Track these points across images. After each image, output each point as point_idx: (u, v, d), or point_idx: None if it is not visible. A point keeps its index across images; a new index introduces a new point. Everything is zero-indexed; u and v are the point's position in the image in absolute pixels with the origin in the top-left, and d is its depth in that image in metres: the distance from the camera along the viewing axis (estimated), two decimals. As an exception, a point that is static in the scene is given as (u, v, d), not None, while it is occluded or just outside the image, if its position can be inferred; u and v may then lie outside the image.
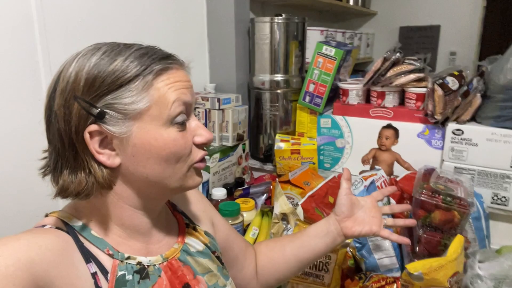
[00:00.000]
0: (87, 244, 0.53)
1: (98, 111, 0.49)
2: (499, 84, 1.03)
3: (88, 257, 0.52)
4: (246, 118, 1.48)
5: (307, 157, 1.38)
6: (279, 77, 1.47)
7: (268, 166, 1.53)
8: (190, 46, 1.50)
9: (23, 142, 0.95)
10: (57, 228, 0.52)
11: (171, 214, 0.68)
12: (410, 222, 0.81)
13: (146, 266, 0.56)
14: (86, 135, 0.50)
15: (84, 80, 0.50)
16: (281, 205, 1.02)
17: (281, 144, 1.39)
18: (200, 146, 0.58)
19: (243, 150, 1.48)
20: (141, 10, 1.24)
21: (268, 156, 1.53)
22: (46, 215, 0.56)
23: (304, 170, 1.31)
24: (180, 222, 0.68)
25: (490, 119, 1.08)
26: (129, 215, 0.57)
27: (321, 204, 1.02)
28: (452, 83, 1.16)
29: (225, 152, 1.37)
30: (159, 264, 0.58)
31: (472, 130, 1.11)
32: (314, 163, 1.39)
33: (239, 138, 1.44)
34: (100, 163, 0.52)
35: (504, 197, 1.08)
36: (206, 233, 0.69)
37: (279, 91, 1.48)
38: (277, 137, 1.45)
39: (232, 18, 1.48)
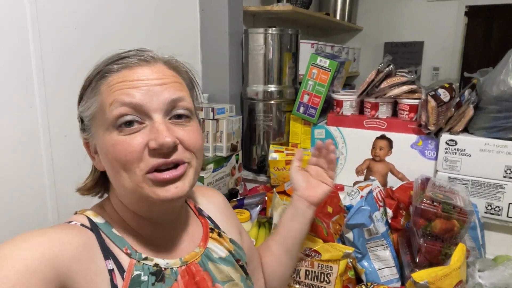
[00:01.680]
0: (107, 242, 0.53)
1: (78, 120, 0.56)
2: (492, 96, 1.05)
3: (107, 254, 0.52)
4: (240, 128, 1.47)
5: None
6: (272, 87, 1.47)
7: (262, 177, 1.51)
8: (183, 56, 1.48)
9: (15, 148, 0.91)
10: (82, 225, 0.54)
11: (196, 218, 0.67)
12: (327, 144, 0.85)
13: (163, 269, 0.55)
14: (83, 141, 0.57)
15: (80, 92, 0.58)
16: (280, 215, 1.00)
17: (275, 155, 1.38)
18: (154, 152, 0.50)
19: (237, 161, 1.47)
20: (134, 20, 1.23)
21: (261, 167, 1.52)
22: (75, 213, 0.58)
23: (299, 181, 1.30)
24: (204, 226, 0.66)
25: (483, 130, 1.11)
26: (136, 219, 0.57)
27: (320, 214, 1.01)
28: (444, 95, 1.19)
29: (219, 162, 1.35)
30: (177, 267, 0.57)
31: (465, 140, 1.12)
32: (308, 174, 1.38)
33: (233, 148, 1.42)
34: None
35: (498, 207, 1.10)
36: (231, 240, 0.67)
37: (272, 102, 1.48)
38: (271, 147, 1.44)
39: (226, 29, 1.49)
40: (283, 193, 1.22)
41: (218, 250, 0.64)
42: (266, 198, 1.31)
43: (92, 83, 0.53)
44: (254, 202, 1.32)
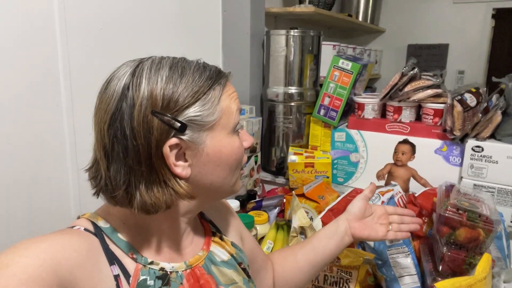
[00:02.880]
0: (112, 247, 0.53)
1: (180, 125, 0.50)
2: (521, 101, 1.02)
3: (112, 259, 0.51)
4: (260, 130, 1.46)
5: (321, 171, 1.36)
6: (293, 89, 1.46)
7: (280, 179, 1.51)
8: (204, 57, 1.49)
9: (42, 148, 0.93)
10: (85, 229, 0.53)
11: (199, 222, 0.67)
12: (415, 220, 0.85)
13: (168, 273, 0.55)
14: (166, 149, 0.50)
15: (161, 96, 0.50)
16: (299, 218, 1.00)
17: (295, 157, 1.37)
18: (245, 151, 0.60)
19: (255, 162, 1.46)
20: (157, 21, 1.24)
21: (280, 169, 1.51)
22: (78, 217, 0.56)
23: (318, 184, 1.28)
24: (206, 230, 0.66)
25: (510, 137, 1.07)
26: (158, 222, 0.57)
27: (340, 219, 1.00)
28: (470, 99, 1.15)
29: (238, 163, 1.35)
30: (182, 271, 0.57)
31: (492, 147, 1.09)
32: (328, 177, 1.37)
33: (252, 150, 1.42)
34: (175, 175, 0.52)
35: (525, 216, 1.06)
36: (233, 244, 0.68)
37: (292, 104, 1.48)
38: (290, 150, 1.43)
39: (247, 30, 1.49)
40: (302, 196, 1.21)
41: (221, 253, 0.64)
42: (285, 200, 1.30)
43: (214, 92, 0.53)
44: (272, 204, 1.32)
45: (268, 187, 1.53)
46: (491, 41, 2.76)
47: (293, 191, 1.21)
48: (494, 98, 1.14)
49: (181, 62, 0.54)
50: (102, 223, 0.54)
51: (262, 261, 0.78)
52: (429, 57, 2.92)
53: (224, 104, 0.55)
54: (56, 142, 0.97)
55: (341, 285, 0.87)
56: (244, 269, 0.66)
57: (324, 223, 1.00)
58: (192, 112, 0.51)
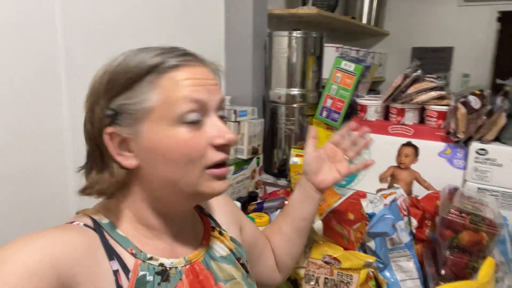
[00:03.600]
0: (112, 242, 0.53)
1: (110, 112, 0.51)
2: (526, 104, 1.00)
3: (112, 254, 0.51)
4: (262, 131, 1.46)
5: (323, 173, 1.35)
6: (295, 91, 1.46)
7: (282, 181, 1.50)
8: (207, 58, 1.49)
9: (42, 146, 0.93)
10: (85, 225, 0.53)
11: (198, 217, 0.67)
12: (364, 129, 0.85)
13: (168, 268, 0.55)
14: (105, 137, 0.51)
15: (107, 79, 0.51)
16: (300, 220, 0.98)
17: (297, 159, 1.36)
18: (220, 148, 0.54)
19: (257, 164, 1.46)
20: (160, 21, 1.24)
21: (282, 171, 1.50)
22: (77, 213, 0.57)
23: (320, 186, 1.27)
24: (206, 225, 0.66)
25: (515, 140, 1.06)
26: (152, 217, 0.57)
27: (341, 221, 0.99)
28: (474, 102, 1.14)
29: (240, 165, 1.35)
30: (182, 266, 0.57)
31: (497, 150, 1.08)
32: (330, 180, 1.35)
33: (254, 151, 1.41)
34: (119, 164, 0.53)
35: (530, 220, 1.04)
36: (231, 238, 0.67)
37: (295, 105, 1.47)
38: (292, 151, 1.42)
39: (250, 32, 1.48)
40: (304, 198, 1.20)
41: (220, 249, 0.64)
42: (286, 202, 1.29)
43: (149, 77, 0.51)
44: (274, 206, 1.31)
45: (270, 189, 1.52)
46: (497, 44, 2.73)
47: (294, 193, 1.19)
48: (499, 100, 1.13)
49: (150, 47, 0.54)
50: (101, 219, 0.54)
51: (263, 243, 0.80)
52: (434, 60, 2.91)
53: (163, 91, 0.50)
54: (56, 141, 0.97)
55: (341, 289, 0.86)
56: (242, 264, 0.66)
57: (325, 225, 0.99)
58: (123, 99, 0.51)
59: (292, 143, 1.50)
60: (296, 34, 1.42)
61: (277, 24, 1.86)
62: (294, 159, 1.36)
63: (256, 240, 0.78)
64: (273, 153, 1.53)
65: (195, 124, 0.52)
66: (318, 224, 1.02)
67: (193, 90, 0.51)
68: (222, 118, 0.57)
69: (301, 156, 1.38)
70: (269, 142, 1.54)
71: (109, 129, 0.51)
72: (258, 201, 1.33)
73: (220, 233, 0.66)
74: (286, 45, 1.43)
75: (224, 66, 1.55)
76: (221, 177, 0.55)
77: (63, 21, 0.95)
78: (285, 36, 1.43)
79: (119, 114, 0.51)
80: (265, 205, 1.30)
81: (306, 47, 1.44)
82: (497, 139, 1.12)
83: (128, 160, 0.53)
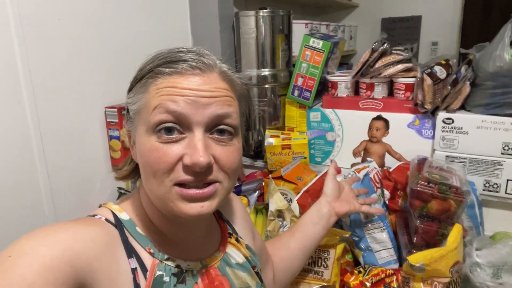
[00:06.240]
0: (131, 240, 0.52)
1: (126, 107, 0.55)
2: (488, 72, 1.03)
3: (131, 252, 0.51)
4: (235, 114, 1.45)
5: (298, 152, 1.36)
6: (266, 71, 1.45)
7: (259, 163, 1.51)
8: (174, 43, 1.46)
9: (6, 145, 0.90)
10: (107, 220, 0.52)
11: (216, 221, 0.66)
12: (379, 211, 0.96)
13: (184, 271, 0.55)
14: (125, 131, 0.59)
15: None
16: (276, 201, 1.00)
17: (271, 139, 1.37)
18: (188, 169, 0.48)
19: (233, 147, 1.46)
20: (121, 7, 1.20)
21: (258, 152, 1.51)
22: (100, 206, 0.56)
23: (296, 165, 1.29)
24: (223, 230, 0.65)
25: (480, 107, 1.09)
26: (161, 219, 0.56)
27: (316, 199, 1.01)
28: (440, 72, 1.16)
29: (215, 150, 1.34)
30: (198, 270, 0.56)
31: (462, 118, 1.11)
32: (305, 158, 1.37)
33: (228, 135, 1.41)
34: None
35: (496, 184, 1.09)
36: (247, 246, 0.67)
37: (266, 86, 1.46)
38: (267, 132, 1.43)
39: (216, 13, 1.45)
40: (280, 178, 1.22)
41: (236, 255, 0.63)
42: (263, 183, 1.31)
43: (143, 79, 0.51)
44: (252, 188, 1.32)
45: (247, 172, 1.53)
46: (463, 11, 2.77)
47: (270, 175, 1.21)
48: (463, 69, 1.15)
49: (164, 52, 0.54)
50: (122, 215, 0.54)
51: (266, 256, 0.79)
52: (403, 30, 2.93)
53: (148, 97, 0.50)
54: (21, 140, 0.94)
55: (319, 264, 0.89)
56: (257, 273, 0.66)
57: (301, 205, 1.01)
58: (128, 97, 0.54)
59: (267, 123, 1.50)
60: (262, 13, 1.40)
61: (245, 3, 1.83)
62: (269, 140, 1.36)
63: (261, 252, 0.76)
64: (248, 136, 1.54)
65: (170, 136, 0.48)
66: (295, 204, 1.04)
67: (170, 99, 0.48)
68: (223, 133, 0.51)
69: (276, 136, 1.39)
70: (244, 124, 1.53)
71: (125, 124, 0.56)
72: (236, 184, 1.34)
73: (237, 240, 0.66)
74: (254, 25, 1.41)
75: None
76: (192, 199, 0.49)
77: (17, 14, 0.90)
78: (252, 16, 1.41)
79: (126, 111, 0.54)
80: (243, 188, 1.31)
81: (274, 26, 1.42)
82: (463, 107, 1.15)
83: (135, 155, 0.55)
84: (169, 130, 0.48)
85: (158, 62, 0.51)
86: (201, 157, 0.47)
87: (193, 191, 0.49)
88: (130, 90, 0.54)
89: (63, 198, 1.03)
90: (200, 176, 0.49)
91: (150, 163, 0.49)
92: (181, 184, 0.49)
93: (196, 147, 0.48)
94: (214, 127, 0.50)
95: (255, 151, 1.52)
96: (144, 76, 0.51)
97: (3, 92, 0.89)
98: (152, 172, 0.49)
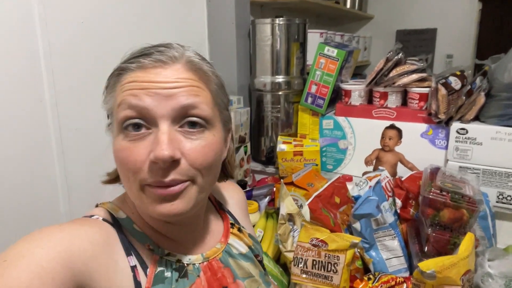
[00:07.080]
0: (129, 238, 0.52)
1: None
2: (503, 83, 1.03)
3: (129, 250, 0.51)
4: (248, 120, 1.47)
5: (310, 159, 1.37)
6: (280, 78, 1.47)
7: (270, 169, 1.52)
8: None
9: (26, 142, 0.93)
10: (104, 219, 0.52)
11: (217, 212, 0.66)
12: None
13: (185, 265, 0.54)
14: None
15: None
16: (287, 206, 1.01)
17: (284, 146, 1.38)
18: (154, 167, 0.45)
19: (245, 153, 1.47)
20: (141, 12, 1.23)
21: (270, 158, 1.52)
22: (97, 205, 0.56)
23: (307, 172, 1.30)
24: (225, 221, 0.65)
25: (494, 118, 1.08)
26: (154, 218, 0.54)
27: (327, 205, 1.01)
28: (455, 82, 1.16)
29: (228, 154, 1.36)
30: (199, 263, 0.56)
31: (476, 129, 1.10)
32: (317, 165, 1.38)
33: (241, 140, 1.42)
34: None
35: (510, 196, 1.08)
36: (250, 235, 0.66)
37: (280, 93, 1.48)
38: (279, 139, 1.44)
39: (233, 20, 1.48)
40: (291, 184, 1.23)
41: (239, 246, 0.63)
42: (275, 189, 1.32)
43: (111, 80, 0.50)
44: (263, 193, 1.33)
45: (258, 177, 1.54)
46: (478, 24, 2.76)
47: (282, 180, 1.21)
48: (478, 80, 1.15)
49: (131, 51, 0.52)
50: (119, 214, 0.54)
51: None
52: (417, 42, 2.93)
53: (115, 95, 0.49)
54: (41, 137, 0.97)
55: (329, 269, 0.89)
56: (260, 261, 0.65)
57: (312, 209, 1.01)
58: (103, 97, 0.52)
59: (279, 130, 1.51)
60: (278, 21, 1.42)
61: (261, 11, 1.86)
62: (281, 146, 1.38)
63: None
64: (260, 141, 1.55)
65: (137, 132, 0.46)
66: (306, 210, 1.04)
67: (132, 94, 0.46)
68: (194, 126, 0.48)
69: (288, 143, 1.40)
70: (256, 130, 1.55)
71: (105, 129, 0.54)
72: (247, 189, 1.35)
73: (239, 230, 0.65)
74: (269, 32, 1.43)
75: (208, 56, 1.55)
76: (161, 199, 0.47)
77: (43, 15, 0.94)
78: (268, 24, 1.43)
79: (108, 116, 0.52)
80: (254, 192, 1.32)
81: (290, 34, 1.44)
82: (477, 118, 1.15)
83: None
84: (137, 127, 0.46)
85: (125, 59, 0.50)
86: (163, 150, 0.44)
87: (156, 190, 0.46)
88: (105, 90, 0.52)
89: (79, 196, 1.05)
90: (166, 175, 0.46)
91: (120, 164, 0.48)
92: (150, 185, 0.47)
93: (160, 141, 0.45)
94: (182, 119, 0.47)
95: (266, 156, 1.53)
96: (113, 76, 0.50)
97: (26, 91, 0.93)
98: (123, 173, 0.48)
